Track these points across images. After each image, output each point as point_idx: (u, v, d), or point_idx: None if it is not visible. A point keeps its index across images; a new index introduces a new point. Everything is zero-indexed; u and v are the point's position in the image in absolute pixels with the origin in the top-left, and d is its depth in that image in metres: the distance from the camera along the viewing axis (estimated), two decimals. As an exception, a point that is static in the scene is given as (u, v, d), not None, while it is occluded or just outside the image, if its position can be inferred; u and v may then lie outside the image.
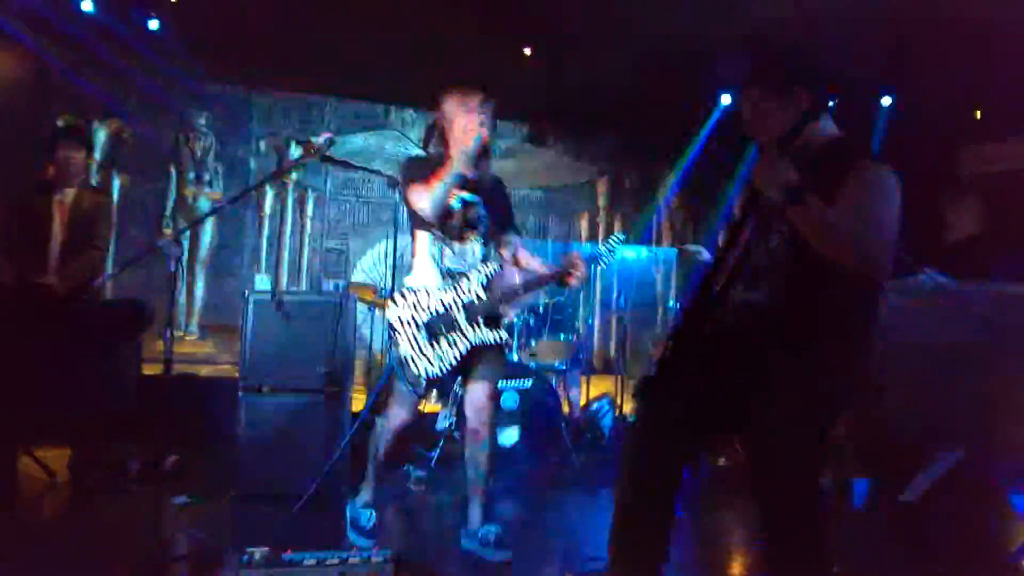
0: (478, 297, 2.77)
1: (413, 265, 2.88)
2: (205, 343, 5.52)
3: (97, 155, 5.09)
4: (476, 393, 2.81)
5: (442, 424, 4.17)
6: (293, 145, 6.11)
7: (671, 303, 5.49)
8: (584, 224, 7.18)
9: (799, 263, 1.97)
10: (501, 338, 2.82)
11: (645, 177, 7.40)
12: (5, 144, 4.99)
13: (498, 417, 3.64)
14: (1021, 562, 2.77)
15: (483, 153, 2.81)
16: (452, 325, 2.76)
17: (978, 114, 5.54)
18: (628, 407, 5.15)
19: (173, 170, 5.81)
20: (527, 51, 5.41)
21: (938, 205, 4.05)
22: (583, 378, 5.10)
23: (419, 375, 2.76)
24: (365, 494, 2.95)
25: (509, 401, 4.17)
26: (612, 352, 6.61)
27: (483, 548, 2.73)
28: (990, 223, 4.08)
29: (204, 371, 4.92)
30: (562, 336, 4.67)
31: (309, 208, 6.17)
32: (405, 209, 2.87)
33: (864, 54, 4.51)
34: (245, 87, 5.99)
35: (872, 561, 2.75)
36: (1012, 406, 3.21)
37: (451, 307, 2.78)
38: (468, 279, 2.80)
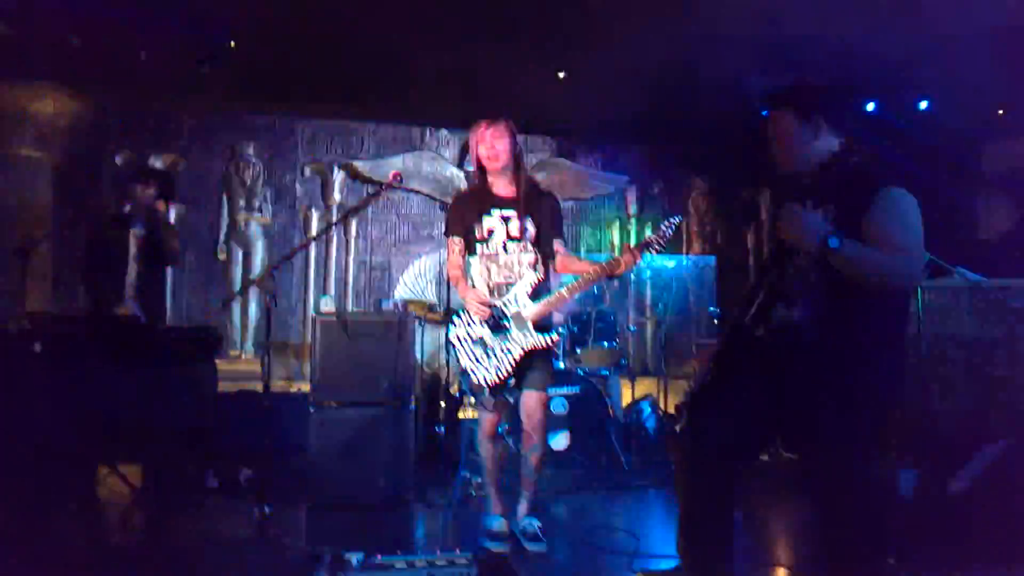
0: (524, 305, 3.01)
1: (452, 280, 3.16)
2: (261, 361, 5.76)
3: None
4: (528, 401, 3.07)
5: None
6: (335, 169, 6.35)
7: (709, 308, 5.62)
8: (615, 233, 7.34)
9: (830, 280, 2.14)
10: (551, 341, 3.04)
11: (672, 185, 7.55)
12: (69, 180, 5.30)
13: (548, 421, 4.00)
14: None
15: (516, 169, 3.08)
16: (504, 335, 3.00)
17: (1001, 112, 5.63)
18: (670, 407, 5.30)
19: (225, 198, 6.07)
20: (561, 75, 5.59)
21: (968, 205, 4.17)
22: (626, 381, 5.27)
23: (479, 383, 3.01)
24: (492, 502, 3.16)
25: (559, 406, 4.35)
26: (651, 355, 6.77)
27: (524, 539, 3.03)
28: (1020, 220, 4.20)
29: (262, 388, 5.13)
30: (605, 343, 4.84)
31: (353, 228, 6.40)
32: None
33: (893, 59, 4.65)
34: (290, 116, 6.25)
35: (921, 551, 2.86)
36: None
37: (501, 318, 3.01)
38: (516, 292, 3.03)
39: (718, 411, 2.40)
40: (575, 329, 4.71)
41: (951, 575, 2.69)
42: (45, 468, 3.41)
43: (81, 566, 2.77)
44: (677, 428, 2.58)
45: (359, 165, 6.34)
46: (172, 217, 5.75)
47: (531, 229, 3.08)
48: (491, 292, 3.05)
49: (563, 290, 3.01)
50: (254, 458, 3.90)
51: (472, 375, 3.03)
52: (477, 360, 3.03)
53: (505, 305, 3.03)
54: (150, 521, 3.48)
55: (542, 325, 3.04)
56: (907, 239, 2.09)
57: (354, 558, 2.56)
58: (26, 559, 2.79)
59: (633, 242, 7.27)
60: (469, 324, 3.07)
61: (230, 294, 5.13)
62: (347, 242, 6.33)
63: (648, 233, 3.13)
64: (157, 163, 5.62)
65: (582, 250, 7.06)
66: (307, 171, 6.34)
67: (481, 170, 3.08)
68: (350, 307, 6.17)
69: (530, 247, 3.08)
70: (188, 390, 3.75)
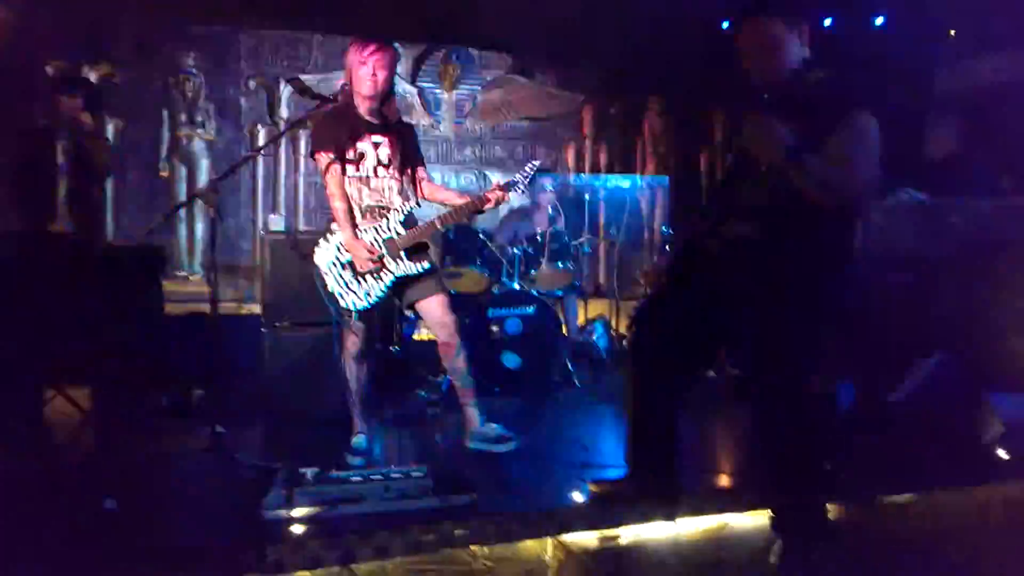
0: (397, 233, 3.00)
1: (334, 208, 3.02)
2: (208, 281, 5.64)
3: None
4: (433, 311, 3.08)
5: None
6: (282, 83, 6.08)
7: (662, 229, 5.66)
8: (571, 153, 7.27)
9: (784, 197, 2.17)
10: (425, 267, 3.06)
11: (629, 105, 7.46)
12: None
13: (503, 343, 4.02)
14: (996, 450, 3.08)
15: (386, 98, 3.04)
16: (370, 259, 2.97)
17: (953, 32, 5.65)
18: (622, 327, 5.40)
19: (165, 112, 5.79)
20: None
21: (918, 125, 4.22)
22: (579, 302, 5.33)
23: (348, 308, 3.00)
24: (355, 421, 3.19)
25: (512, 327, 4.39)
26: (604, 276, 6.84)
27: (490, 443, 3.10)
28: (966, 140, 4.27)
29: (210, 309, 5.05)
30: (559, 264, 4.86)
31: (302, 146, 6.20)
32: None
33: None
34: (232, 26, 5.94)
35: (859, 458, 3.01)
36: (988, 312, 3.47)
37: (373, 244, 2.99)
38: (387, 217, 3.02)
39: (666, 325, 2.45)
40: (529, 250, 4.70)
41: (886, 482, 2.84)
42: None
43: (30, 491, 2.74)
44: (625, 343, 2.61)
45: (306, 79, 6.08)
46: (110, 132, 5.50)
47: (398, 157, 3.07)
48: (362, 215, 3.03)
49: (435, 220, 3.03)
50: (206, 379, 3.87)
51: (340, 299, 3.00)
52: (347, 285, 3.01)
53: (379, 233, 3.01)
54: (102, 444, 3.44)
55: (414, 252, 3.04)
56: (867, 162, 2.14)
57: (309, 472, 2.59)
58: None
59: (588, 165, 7.34)
60: (338, 248, 3.01)
61: (170, 208, 4.96)
62: (296, 160, 6.15)
63: (531, 161, 3.21)
64: (91, 74, 5.31)
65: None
66: (252, 85, 6.08)
67: (349, 94, 2.99)
68: (301, 226, 6.05)
69: (397, 174, 3.08)
70: (134, 311, 3.65)
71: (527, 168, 3.08)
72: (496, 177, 5.01)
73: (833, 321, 2.34)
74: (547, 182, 5.21)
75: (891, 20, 4.78)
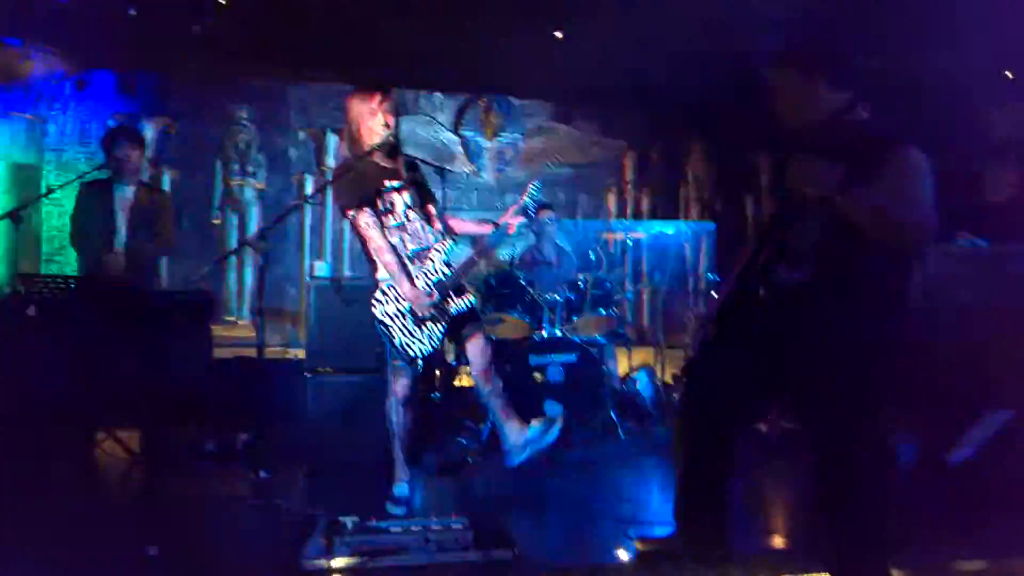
0: (443, 274, 3.05)
1: (379, 262, 3.00)
2: (255, 326, 5.72)
3: (148, 151, 5.25)
4: (476, 344, 3.11)
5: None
6: (329, 133, 6.25)
7: (706, 275, 5.57)
8: (612, 199, 7.26)
9: (836, 242, 2.10)
10: (471, 302, 3.14)
11: (671, 150, 7.44)
12: (61, 143, 5.22)
13: (545, 390, 3.97)
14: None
15: (395, 145, 3.08)
16: (431, 305, 2.99)
17: (1009, 74, 5.54)
18: (667, 376, 5.29)
19: (219, 163, 5.99)
20: (558, 34, 5.48)
21: (974, 170, 4.10)
22: (623, 350, 5.25)
23: (416, 356, 3.01)
24: (398, 469, 3.13)
25: (555, 374, 4.33)
26: (647, 324, 6.74)
27: (541, 439, 3.04)
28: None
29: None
30: (601, 310, 4.80)
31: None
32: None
33: (900, 18, 4.54)
34: (283, 80, 6.16)
35: (917, 520, 2.84)
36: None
37: (426, 289, 3.01)
38: (432, 260, 3.06)
39: (716, 376, 2.37)
40: (571, 296, 4.66)
41: (950, 546, 2.68)
42: (41, 432, 3.39)
43: (77, 529, 2.76)
44: (672, 394, 2.52)
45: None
46: (166, 183, 5.69)
47: (418, 197, 3.12)
48: (410, 261, 3.03)
49: (474, 255, 3.10)
50: (251, 424, 3.89)
51: (409, 349, 3.00)
52: (411, 334, 3.01)
53: (428, 277, 3.03)
54: (148, 486, 3.47)
55: (460, 289, 3.11)
56: (922, 196, 2.06)
57: (349, 522, 2.56)
58: (23, 523, 2.78)
59: (631, 212, 7.32)
60: (397, 300, 3.00)
61: (221, 254, 5.10)
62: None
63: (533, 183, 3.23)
64: (149, 127, 5.53)
65: (579, 217, 6.97)
66: (301, 136, 6.25)
67: (358, 146, 3.01)
68: (346, 273, 6.13)
69: (423, 214, 3.12)
70: (183, 355, 3.71)
71: (531, 188, 3.16)
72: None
73: (890, 370, 2.24)
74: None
75: (946, 60, 4.72)
